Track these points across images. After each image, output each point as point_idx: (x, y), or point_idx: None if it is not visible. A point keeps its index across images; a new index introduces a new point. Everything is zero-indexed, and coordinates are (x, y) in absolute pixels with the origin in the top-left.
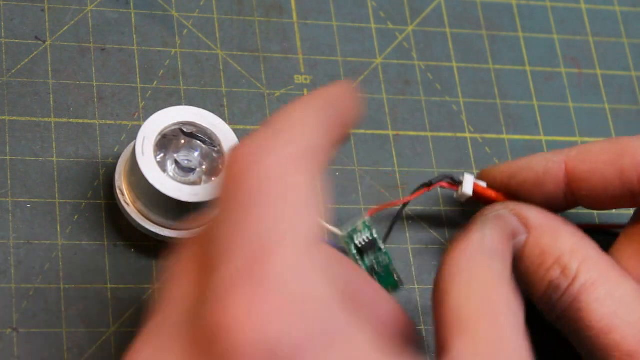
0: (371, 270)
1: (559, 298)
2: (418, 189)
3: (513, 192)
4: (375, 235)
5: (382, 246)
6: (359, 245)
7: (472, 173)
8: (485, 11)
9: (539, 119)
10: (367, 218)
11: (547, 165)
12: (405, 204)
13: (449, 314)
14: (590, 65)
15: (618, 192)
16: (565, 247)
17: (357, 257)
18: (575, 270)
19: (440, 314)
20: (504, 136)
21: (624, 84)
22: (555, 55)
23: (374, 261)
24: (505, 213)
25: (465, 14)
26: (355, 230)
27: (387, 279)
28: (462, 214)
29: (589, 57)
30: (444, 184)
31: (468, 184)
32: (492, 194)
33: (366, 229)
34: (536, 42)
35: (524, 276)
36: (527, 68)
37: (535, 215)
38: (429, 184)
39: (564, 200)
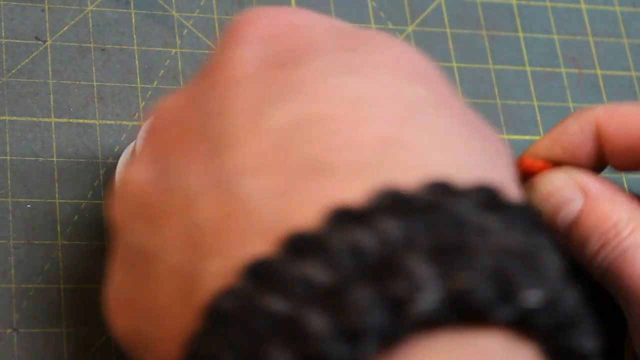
0: None
1: (608, 253)
2: None
3: (558, 162)
4: None
5: None
6: None
7: None
8: (485, 11)
9: (539, 119)
10: None
11: (581, 124)
12: None
13: None
14: (590, 65)
15: None
16: (622, 214)
17: None
18: (629, 232)
19: None
20: (504, 136)
21: (624, 84)
22: (555, 55)
23: None
24: (565, 179)
25: (465, 14)
26: None
27: None
28: None
29: (589, 57)
30: None
31: None
32: (540, 164)
33: None
34: (536, 42)
35: (577, 240)
36: (527, 68)
37: (594, 183)
38: None
39: (599, 160)
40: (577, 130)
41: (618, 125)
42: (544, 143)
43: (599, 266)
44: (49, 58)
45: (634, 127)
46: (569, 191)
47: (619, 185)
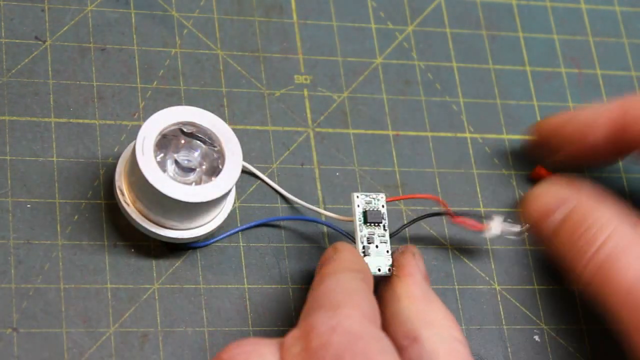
0: (367, 241)
1: (592, 256)
2: (434, 214)
3: (566, 139)
4: (384, 212)
5: (386, 226)
6: (366, 211)
7: (501, 215)
8: (485, 11)
9: (539, 118)
10: (382, 195)
11: (599, 110)
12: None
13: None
14: (590, 65)
15: None
16: (605, 213)
17: (360, 221)
18: (610, 231)
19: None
20: (504, 136)
21: (624, 84)
22: (555, 55)
23: (374, 234)
24: (552, 190)
25: (465, 14)
26: (367, 197)
27: (378, 258)
28: None
29: (589, 57)
30: (469, 223)
31: (497, 226)
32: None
33: (377, 204)
34: (536, 42)
35: (564, 238)
36: (527, 68)
37: (579, 189)
38: (450, 214)
39: (613, 148)
40: (596, 113)
41: (635, 117)
42: (560, 117)
43: (582, 272)
44: (49, 58)
45: None
46: (555, 201)
47: (607, 192)
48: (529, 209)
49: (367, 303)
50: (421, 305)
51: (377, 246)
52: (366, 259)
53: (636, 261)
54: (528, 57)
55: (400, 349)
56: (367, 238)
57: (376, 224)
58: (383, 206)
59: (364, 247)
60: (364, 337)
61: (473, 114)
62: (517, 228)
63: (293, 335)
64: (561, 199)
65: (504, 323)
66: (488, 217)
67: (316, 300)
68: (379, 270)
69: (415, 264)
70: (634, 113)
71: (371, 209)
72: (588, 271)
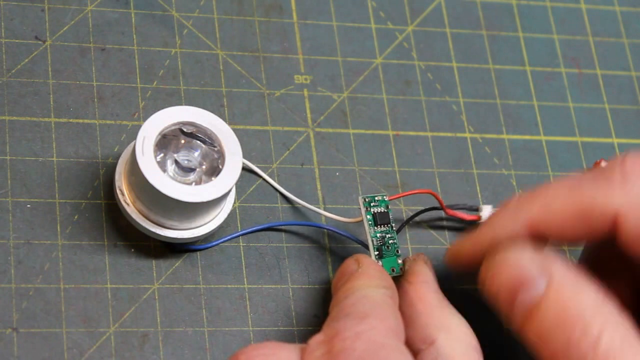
0: (380, 242)
1: None
2: (425, 210)
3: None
4: (390, 211)
5: (393, 225)
6: (375, 213)
7: (490, 205)
8: (485, 11)
9: (539, 119)
10: (385, 196)
11: (513, 236)
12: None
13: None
14: (590, 65)
15: (590, 239)
16: (587, 305)
17: (370, 223)
18: (597, 332)
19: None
20: (504, 136)
21: (624, 84)
22: (555, 55)
23: (385, 235)
24: (528, 256)
25: (465, 14)
26: (373, 199)
27: (391, 258)
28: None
29: (589, 57)
30: (462, 215)
31: (488, 215)
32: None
33: (382, 204)
34: (536, 42)
35: (537, 330)
36: (527, 68)
37: (560, 266)
38: (443, 208)
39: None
40: (511, 225)
41: (560, 231)
42: (474, 250)
43: None
44: (49, 58)
45: (578, 230)
46: (531, 271)
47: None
48: (497, 277)
49: (393, 317)
50: (437, 311)
51: (388, 247)
52: (382, 261)
53: None
54: (528, 57)
55: (416, 352)
56: (380, 240)
57: (384, 225)
58: (388, 207)
59: (378, 250)
60: (387, 347)
61: (473, 114)
62: None
63: (316, 339)
64: (534, 272)
65: (503, 323)
66: (477, 208)
67: (342, 310)
68: (393, 271)
69: (428, 271)
70: (548, 234)
71: (379, 211)
72: None
